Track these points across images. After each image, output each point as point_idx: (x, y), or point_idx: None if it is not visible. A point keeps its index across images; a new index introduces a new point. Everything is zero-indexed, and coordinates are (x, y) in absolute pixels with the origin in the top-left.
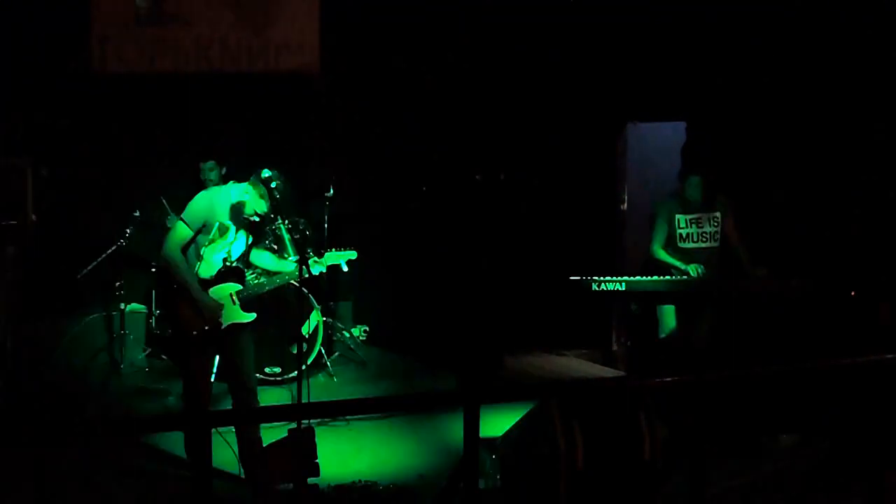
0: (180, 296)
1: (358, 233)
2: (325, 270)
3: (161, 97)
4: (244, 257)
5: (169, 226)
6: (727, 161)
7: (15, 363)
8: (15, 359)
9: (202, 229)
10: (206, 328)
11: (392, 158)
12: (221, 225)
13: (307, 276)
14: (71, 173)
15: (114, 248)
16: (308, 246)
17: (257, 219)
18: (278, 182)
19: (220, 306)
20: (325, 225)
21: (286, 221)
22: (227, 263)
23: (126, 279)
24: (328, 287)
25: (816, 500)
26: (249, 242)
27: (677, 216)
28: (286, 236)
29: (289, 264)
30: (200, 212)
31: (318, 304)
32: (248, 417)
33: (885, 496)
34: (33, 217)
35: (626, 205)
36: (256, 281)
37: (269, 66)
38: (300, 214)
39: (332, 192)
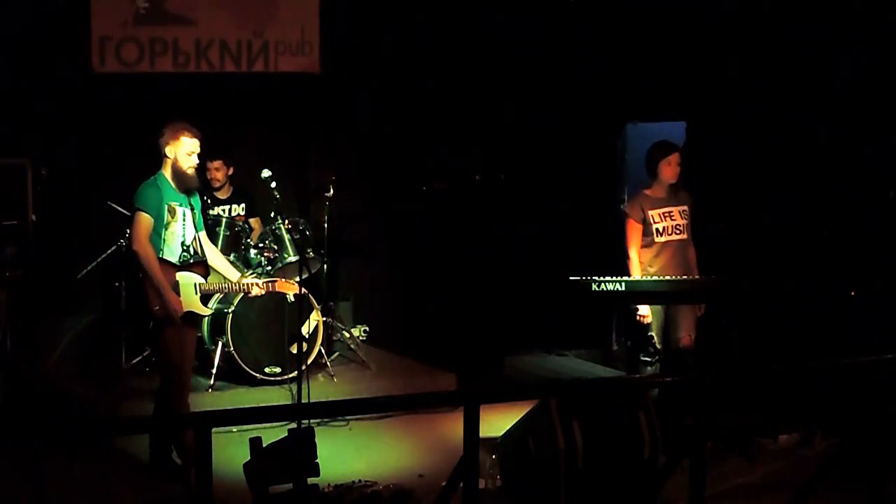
0: (148, 284)
1: (358, 233)
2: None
3: (161, 97)
4: (197, 240)
5: None
6: (727, 161)
7: (15, 363)
8: (15, 359)
9: (158, 215)
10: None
11: (392, 158)
12: (170, 207)
13: (306, 276)
14: (71, 173)
15: (114, 248)
16: (308, 246)
17: (195, 161)
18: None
19: (179, 301)
20: (325, 225)
21: (286, 221)
22: (185, 247)
23: (126, 279)
24: (328, 287)
25: (816, 500)
26: (199, 225)
27: (649, 212)
28: (286, 236)
29: (233, 272)
30: (152, 198)
31: (318, 304)
32: (248, 417)
33: (886, 497)
34: (33, 217)
35: (626, 205)
36: (219, 282)
37: (269, 66)
38: (300, 214)
39: (332, 192)
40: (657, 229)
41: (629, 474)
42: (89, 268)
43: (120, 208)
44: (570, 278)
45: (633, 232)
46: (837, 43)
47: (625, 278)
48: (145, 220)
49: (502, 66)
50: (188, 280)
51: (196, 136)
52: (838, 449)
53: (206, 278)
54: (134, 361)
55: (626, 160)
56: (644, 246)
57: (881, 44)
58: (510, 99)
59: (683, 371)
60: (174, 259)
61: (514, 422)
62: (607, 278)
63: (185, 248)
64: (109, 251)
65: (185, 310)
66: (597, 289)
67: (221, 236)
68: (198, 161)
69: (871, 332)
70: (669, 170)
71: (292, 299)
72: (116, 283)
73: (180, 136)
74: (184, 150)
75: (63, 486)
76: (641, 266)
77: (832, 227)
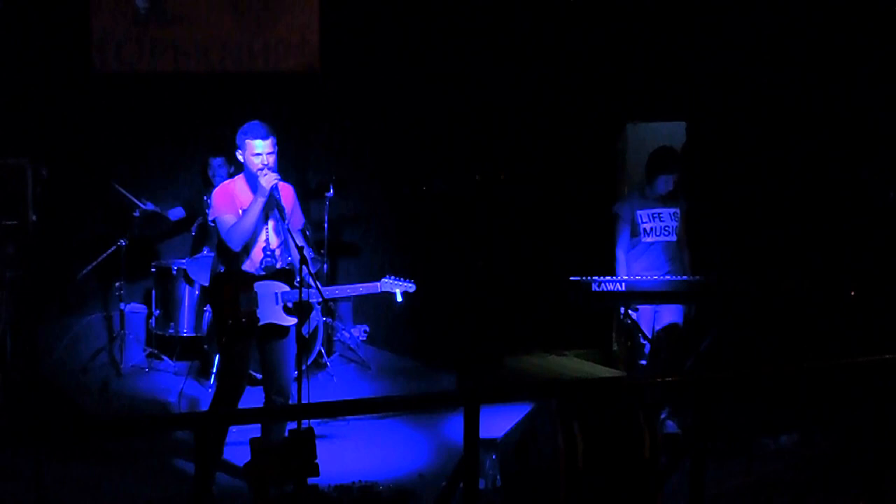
0: (225, 281)
1: (358, 233)
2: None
3: (161, 97)
4: (286, 246)
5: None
6: (727, 161)
7: (15, 363)
8: (15, 359)
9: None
10: (243, 319)
11: (392, 158)
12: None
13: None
14: (71, 173)
15: (114, 248)
16: (308, 246)
17: (264, 160)
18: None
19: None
20: (325, 225)
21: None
22: (269, 252)
23: (126, 279)
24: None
25: (816, 500)
26: (286, 227)
27: (638, 212)
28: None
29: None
30: (223, 203)
31: (318, 304)
32: (247, 417)
33: (885, 497)
34: (33, 217)
35: (617, 204)
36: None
37: (269, 65)
38: None
39: (332, 192)
40: (644, 229)
41: (629, 475)
42: (89, 268)
43: (125, 192)
44: (571, 278)
45: (622, 231)
46: (837, 41)
47: (625, 278)
48: (225, 221)
49: (502, 66)
50: (268, 290)
51: (260, 138)
52: (838, 449)
53: (290, 286)
54: (133, 363)
55: (626, 160)
56: (632, 246)
57: (881, 42)
58: (510, 98)
59: (683, 371)
60: (254, 268)
61: (514, 422)
62: (607, 278)
63: (268, 253)
64: (109, 251)
65: (265, 322)
66: (597, 289)
67: None
68: (269, 161)
69: (871, 332)
70: (663, 186)
71: (400, 300)
72: (116, 283)
73: (245, 140)
74: (249, 153)
75: (63, 486)
76: (628, 266)
77: (832, 227)
